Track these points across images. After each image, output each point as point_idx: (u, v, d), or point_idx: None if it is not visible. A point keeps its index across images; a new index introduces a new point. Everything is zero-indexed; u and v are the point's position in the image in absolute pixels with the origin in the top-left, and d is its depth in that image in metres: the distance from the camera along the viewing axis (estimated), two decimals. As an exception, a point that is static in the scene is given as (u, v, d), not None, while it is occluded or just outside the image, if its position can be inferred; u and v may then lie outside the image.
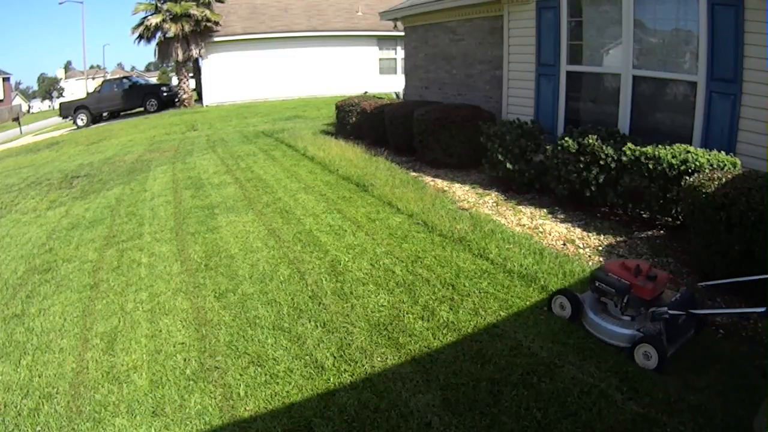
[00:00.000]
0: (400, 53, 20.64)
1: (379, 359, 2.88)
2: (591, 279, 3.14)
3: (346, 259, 4.20)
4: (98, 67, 68.11)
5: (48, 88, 78.51)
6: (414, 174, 6.80)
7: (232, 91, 20.88)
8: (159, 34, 20.30)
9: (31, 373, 3.19)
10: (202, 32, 19.98)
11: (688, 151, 4.07)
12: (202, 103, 21.64)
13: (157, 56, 21.56)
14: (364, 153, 7.97)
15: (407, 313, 3.32)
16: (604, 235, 4.40)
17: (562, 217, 4.91)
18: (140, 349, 3.27)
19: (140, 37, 20.34)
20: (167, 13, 19.64)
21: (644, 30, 5.03)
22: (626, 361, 2.68)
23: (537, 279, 3.62)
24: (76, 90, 55.06)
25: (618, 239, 4.29)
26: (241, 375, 2.88)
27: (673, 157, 4.06)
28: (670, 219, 4.36)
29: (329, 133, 10.43)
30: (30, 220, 7.01)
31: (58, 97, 63.90)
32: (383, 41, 21.47)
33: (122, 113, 22.95)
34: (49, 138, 19.44)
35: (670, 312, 2.73)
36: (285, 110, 16.43)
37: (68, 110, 22.07)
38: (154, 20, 19.70)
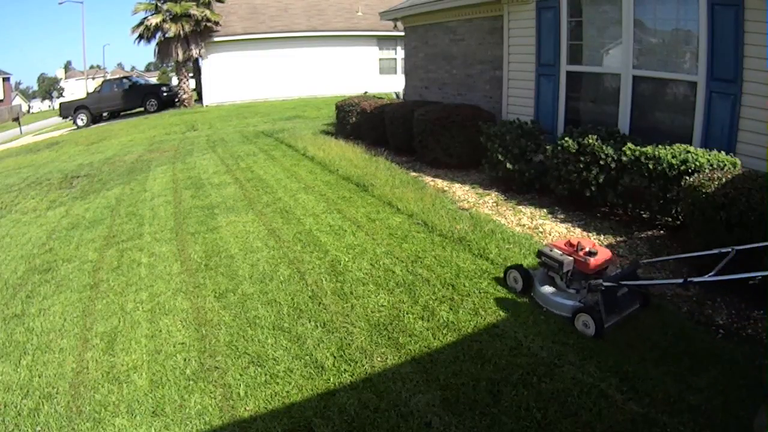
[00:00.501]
0: (400, 53, 20.64)
1: (379, 359, 2.88)
2: (538, 254, 3.42)
3: (346, 259, 4.20)
4: (98, 67, 68.12)
5: (48, 88, 78.54)
6: (414, 174, 6.80)
7: (232, 91, 20.88)
8: (159, 34, 20.31)
9: (31, 373, 3.19)
10: (202, 32, 19.98)
11: (688, 151, 4.07)
12: (202, 103, 21.64)
13: (157, 56, 21.55)
14: (364, 153, 7.97)
15: (407, 313, 3.32)
16: (604, 235, 4.40)
17: (562, 217, 4.91)
18: (140, 349, 3.27)
19: (140, 37, 20.34)
20: (167, 13, 19.65)
21: (644, 30, 5.03)
22: (627, 361, 2.68)
23: (537, 279, 3.62)
24: (76, 90, 55.06)
25: (618, 239, 4.29)
26: (241, 375, 2.88)
27: (673, 157, 4.06)
28: (670, 219, 4.36)
29: (329, 133, 10.43)
30: (30, 220, 7.01)
31: (58, 97, 63.91)
32: (383, 41, 21.48)
33: (122, 113, 22.95)
34: (49, 138, 19.44)
35: (605, 284, 2.97)
36: (285, 110, 16.43)
37: (68, 110, 22.07)
38: (154, 20, 19.70)
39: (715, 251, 2.88)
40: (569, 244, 3.28)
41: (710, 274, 2.67)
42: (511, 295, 3.44)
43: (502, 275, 3.60)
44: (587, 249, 3.20)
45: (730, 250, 2.80)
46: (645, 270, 3.71)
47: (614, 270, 3.13)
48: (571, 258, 3.21)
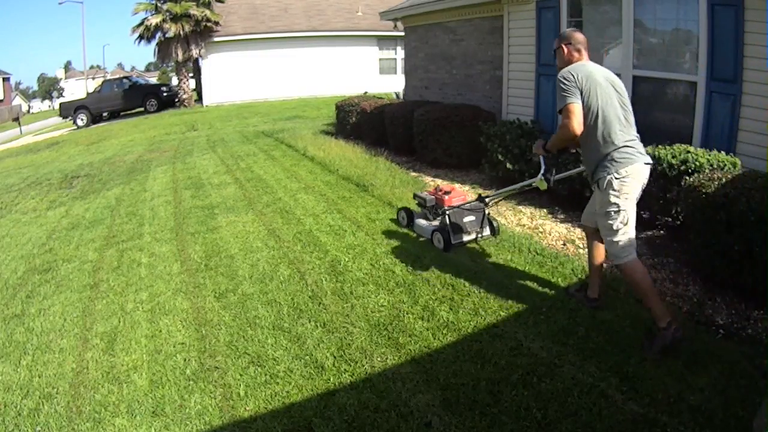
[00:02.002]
0: (400, 53, 20.64)
1: (379, 359, 2.88)
2: (413, 197, 4.68)
3: (346, 259, 4.20)
4: (98, 67, 68.20)
5: (48, 88, 78.59)
6: (414, 174, 6.80)
7: (232, 91, 20.89)
8: (159, 35, 20.33)
9: (31, 373, 3.19)
10: (202, 32, 19.99)
11: (688, 151, 4.07)
12: (202, 103, 21.65)
13: (157, 56, 21.57)
14: (364, 153, 7.97)
15: (407, 313, 3.32)
16: (604, 235, 4.39)
17: (562, 217, 4.91)
18: (140, 349, 3.27)
19: (140, 37, 20.36)
20: (167, 14, 19.66)
21: (644, 30, 5.03)
22: (627, 361, 2.68)
23: (537, 279, 3.62)
24: (76, 90, 55.08)
25: (618, 239, 4.29)
26: (241, 375, 2.88)
27: (673, 157, 4.06)
28: (670, 219, 4.36)
29: (329, 133, 10.44)
30: (30, 220, 7.01)
31: (58, 97, 63.93)
32: (383, 41, 21.48)
33: (122, 113, 22.96)
34: (49, 138, 19.45)
35: (447, 211, 4.12)
36: (285, 110, 16.43)
37: (68, 110, 22.09)
38: (154, 20, 19.72)
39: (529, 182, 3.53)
40: (434, 189, 4.48)
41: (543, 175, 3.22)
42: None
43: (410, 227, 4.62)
44: (445, 190, 4.32)
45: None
46: (648, 268, 3.68)
47: (475, 209, 4.16)
48: (433, 197, 4.38)
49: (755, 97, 4.03)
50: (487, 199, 4.10)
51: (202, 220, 5.67)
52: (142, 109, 22.03)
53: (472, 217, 4.08)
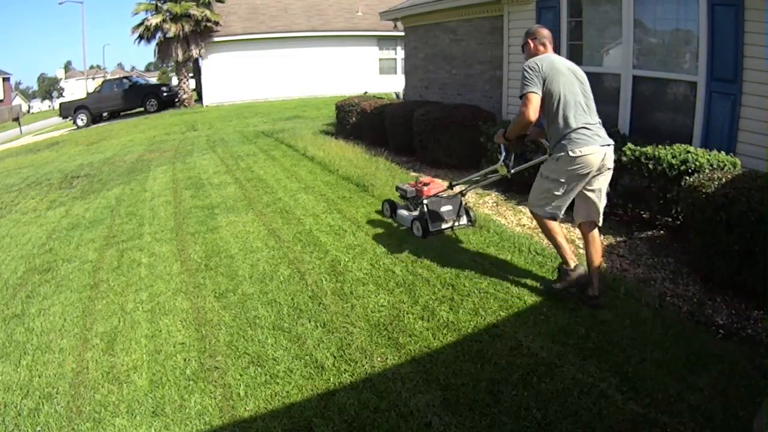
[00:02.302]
0: (400, 53, 20.64)
1: (379, 359, 2.88)
2: (396, 189, 4.98)
3: (346, 259, 4.20)
4: (98, 67, 68.21)
5: (48, 88, 78.60)
6: (414, 174, 6.79)
7: (232, 91, 20.88)
8: (159, 35, 20.32)
9: (31, 373, 3.19)
10: (202, 32, 19.99)
11: (688, 151, 4.07)
12: (202, 103, 21.65)
13: (157, 56, 21.56)
14: (364, 153, 7.97)
15: (407, 313, 3.32)
16: (604, 235, 4.39)
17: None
18: (140, 349, 3.27)
19: (140, 37, 20.36)
20: (167, 14, 19.66)
21: (644, 30, 5.03)
22: (627, 361, 2.69)
23: (537, 279, 3.62)
24: (76, 90, 55.08)
25: (618, 239, 4.29)
26: (241, 375, 2.87)
27: (673, 157, 4.06)
28: (670, 219, 4.36)
29: (329, 133, 10.44)
30: (30, 220, 7.01)
31: (58, 97, 63.94)
32: (383, 41, 21.48)
33: (122, 113, 22.96)
34: (49, 138, 19.45)
35: (425, 201, 4.39)
36: (285, 110, 16.43)
37: (68, 110, 22.09)
38: (154, 20, 19.71)
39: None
40: (415, 181, 4.77)
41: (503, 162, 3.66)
42: (511, 295, 3.43)
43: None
44: (424, 182, 4.60)
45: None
46: (648, 268, 3.72)
47: (453, 200, 4.47)
48: (413, 188, 4.64)
49: (755, 97, 4.03)
50: (456, 186, 4.45)
51: (202, 220, 5.67)
52: (142, 109, 22.02)
53: (449, 207, 4.39)
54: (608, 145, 3.14)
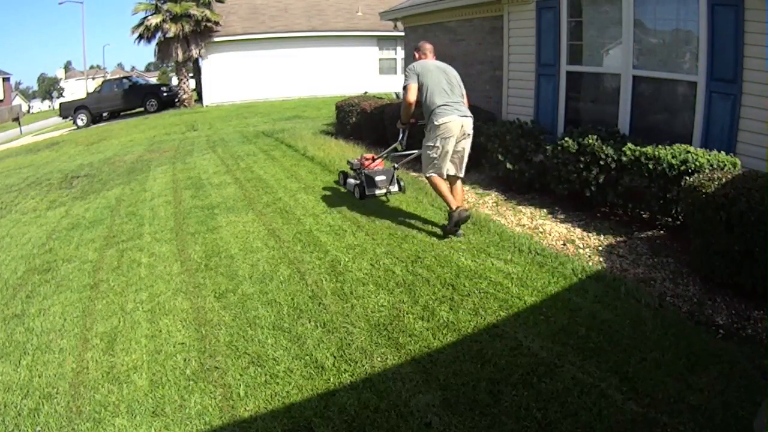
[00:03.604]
0: (400, 53, 20.65)
1: (379, 359, 2.88)
2: (347, 163, 5.99)
3: (346, 259, 4.20)
4: (98, 67, 68.23)
5: (48, 88, 78.60)
6: (414, 174, 6.79)
7: (232, 91, 20.88)
8: (159, 35, 20.32)
9: (31, 373, 3.19)
10: (202, 32, 19.99)
11: (688, 151, 4.07)
12: (202, 103, 21.65)
13: (157, 56, 21.58)
14: (365, 153, 7.96)
15: (407, 313, 3.32)
16: (604, 235, 4.40)
17: (562, 217, 4.91)
18: (140, 349, 3.27)
19: (140, 37, 20.36)
20: (167, 14, 19.65)
21: (644, 30, 5.03)
22: (627, 361, 2.69)
23: (537, 279, 3.62)
24: (76, 90, 55.11)
25: (618, 239, 4.29)
26: (241, 375, 2.88)
27: (673, 157, 4.06)
28: (670, 219, 4.37)
29: (329, 133, 10.43)
30: (30, 220, 7.01)
31: (58, 97, 63.94)
32: (383, 41, 21.47)
33: (122, 113, 22.97)
34: (49, 138, 19.45)
35: (364, 171, 5.37)
36: (285, 110, 16.43)
37: (68, 110, 22.09)
38: (154, 20, 19.71)
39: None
40: (361, 157, 5.70)
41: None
42: (511, 295, 3.44)
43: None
44: (366, 158, 5.57)
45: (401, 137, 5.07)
46: (648, 268, 3.72)
47: (387, 170, 5.38)
48: (358, 162, 5.58)
49: (755, 97, 4.03)
50: (377, 159, 5.59)
51: (202, 220, 5.67)
52: (142, 109, 22.02)
53: (383, 177, 5.30)
54: (465, 116, 4.35)
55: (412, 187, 6.08)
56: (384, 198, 5.67)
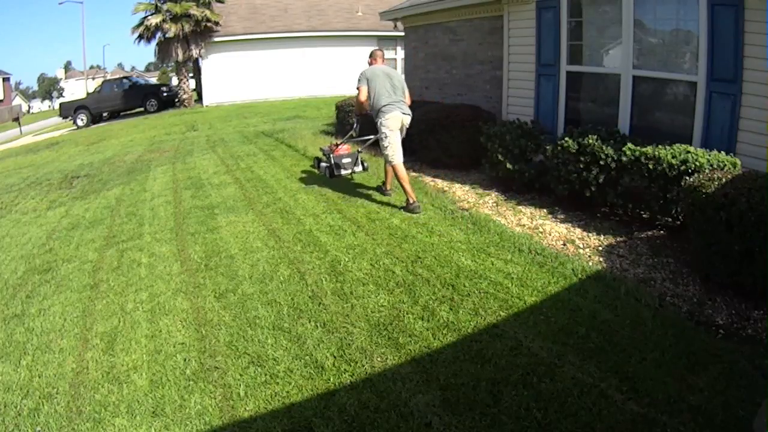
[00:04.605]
0: (400, 53, 20.58)
1: (379, 359, 2.88)
2: (320, 149, 6.83)
3: (346, 259, 4.20)
4: (98, 67, 68.20)
5: (48, 88, 78.58)
6: (414, 174, 6.79)
7: (232, 91, 20.87)
8: (159, 35, 20.31)
9: (31, 373, 3.19)
10: (202, 32, 19.98)
11: (688, 152, 4.07)
12: (202, 103, 21.64)
13: (157, 56, 21.57)
14: (364, 153, 7.96)
15: (407, 313, 3.32)
16: (604, 235, 4.40)
17: (562, 217, 4.91)
18: (140, 349, 3.27)
19: (140, 37, 20.35)
20: (167, 13, 19.65)
21: (644, 30, 5.03)
22: (627, 361, 2.69)
23: (537, 279, 3.62)
24: (76, 90, 55.08)
25: (618, 239, 4.29)
26: (241, 375, 2.88)
27: (673, 158, 4.06)
28: (670, 219, 4.36)
29: (329, 133, 10.43)
30: (30, 220, 7.01)
31: (58, 98, 63.92)
32: (383, 41, 21.42)
33: (122, 113, 22.96)
34: (49, 138, 19.45)
35: (332, 155, 6.22)
36: (285, 110, 16.43)
37: (68, 110, 22.08)
38: (154, 20, 19.70)
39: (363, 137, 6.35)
40: (330, 144, 6.64)
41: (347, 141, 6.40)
42: (511, 295, 3.44)
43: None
44: (336, 144, 6.47)
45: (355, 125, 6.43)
46: (648, 268, 3.72)
47: (352, 154, 6.32)
48: (329, 148, 6.40)
49: (755, 97, 4.03)
50: (340, 145, 6.44)
51: (202, 220, 5.67)
52: (142, 109, 22.02)
53: (348, 159, 6.25)
54: (405, 114, 5.33)
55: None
56: (384, 198, 5.67)
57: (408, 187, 5.19)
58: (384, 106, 5.19)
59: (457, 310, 3.31)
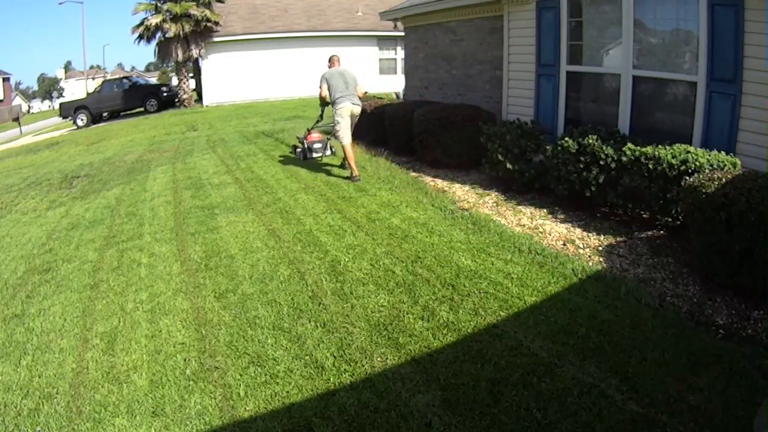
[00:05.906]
0: (400, 53, 20.61)
1: (379, 359, 2.88)
2: (297, 138, 8.24)
3: (346, 259, 4.20)
4: (98, 67, 68.16)
5: (48, 88, 78.56)
6: (414, 174, 6.80)
7: (232, 91, 20.86)
8: (159, 35, 20.32)
9: (31, 373, 3.19)
10: (202, 32, 19.98)
11: (688, 152, 4.07)
12: (202, 103, 21.64)
13: (157, 56, 21.57)
14: (364, 153, 7.97)
15: (407, 313, 3.32)
16: (604, 235, 4.40)
17: (562, 217, 4.91)
18: (140, 349, 3.27)
19: (140, 37, 20.35)
20: (167, 14, 19.65)
21: (644, 30, 5.03)
22: (627, 361, 2.69)
23: (537, 279, 3.62)
24: (76, 90, 55.06)
25: (618, 239, 4.29)
26: (241, 375, 2.88)
27: (673, 158, 4.06)
28: (670, 219, 4.36)
29: (328, 133, 10.42)
30: (30, 220, 7.01)
31: (58, 98, 63.90)
32: (383, 41, 21.46)
33: (122, 113, 22.96)
34: (49, 138, 19.45)
35: (305, 141, 7.62)
36: (285, 110, 16.43)
37: (68, 110, 22.08)
38: (154, 20, 19.71)
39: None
40: (305, 133, 7.76)
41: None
42: (511, 295, 3.44)
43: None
44: (310, 132, 7.69)
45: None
46: (648, 268, 3.73)
47: (322, 140, 7.61)
48: (303, 137, 7.66)
49: (755, 97, 4.03)
50: (312, 131, 7.71)
51: (202, 220, 5.67)
52: (142, 109, 22.02)
53: (319, 144, 7.57)
54: (355, 104, 6.62)
55: (413, 187, 6.09)
56: (385, 198, 5.67)
57: (353, 164, 6.52)
58: (338, 98, 6.50)
59: (457, 310, 3.31)
